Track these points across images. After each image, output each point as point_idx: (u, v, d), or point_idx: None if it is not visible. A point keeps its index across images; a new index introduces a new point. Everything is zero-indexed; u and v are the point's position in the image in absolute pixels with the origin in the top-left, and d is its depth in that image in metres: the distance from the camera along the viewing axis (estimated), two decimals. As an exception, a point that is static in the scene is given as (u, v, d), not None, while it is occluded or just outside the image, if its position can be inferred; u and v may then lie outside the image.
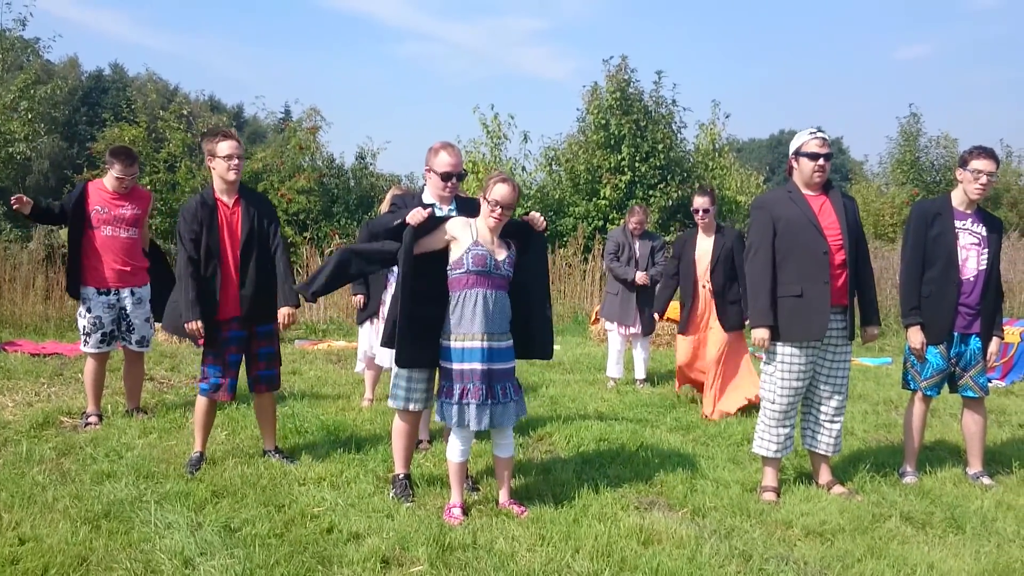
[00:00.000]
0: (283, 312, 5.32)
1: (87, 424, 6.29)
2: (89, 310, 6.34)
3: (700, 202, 7.40)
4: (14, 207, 6.13)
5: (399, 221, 4.44)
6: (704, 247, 7.40)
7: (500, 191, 4.50)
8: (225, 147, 5.16)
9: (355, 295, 7.21)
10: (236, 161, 5.19)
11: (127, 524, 4.27)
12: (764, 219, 4.99)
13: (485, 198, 4.53)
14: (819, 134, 4.96)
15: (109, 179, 6.38)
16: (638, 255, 8.42)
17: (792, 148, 5.05)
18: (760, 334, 4.95)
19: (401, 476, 4.89)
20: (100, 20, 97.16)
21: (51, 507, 4.49)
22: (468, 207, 4.79)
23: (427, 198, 4.84)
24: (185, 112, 18.34)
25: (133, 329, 6.51)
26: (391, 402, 4.81)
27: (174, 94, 29.83)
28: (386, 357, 6.90)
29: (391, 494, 4.81)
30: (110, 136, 17.72)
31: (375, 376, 7.39)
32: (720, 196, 18.52)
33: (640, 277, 8.26)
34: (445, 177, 4.75)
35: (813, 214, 4.91)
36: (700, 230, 7.48)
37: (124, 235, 6.40)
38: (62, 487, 4.83)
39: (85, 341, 6.42)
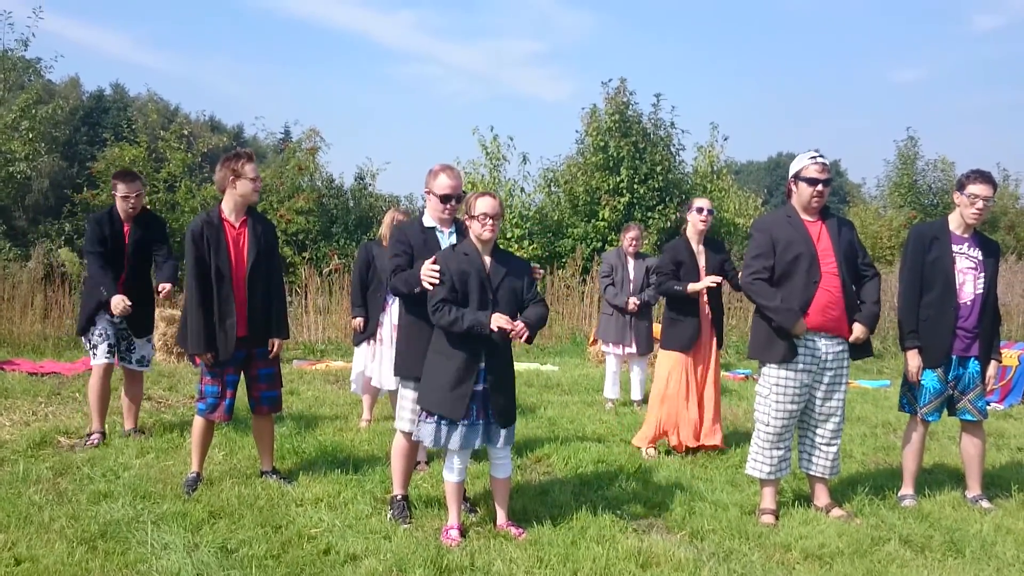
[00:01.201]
0: (275, 343, 5.41)
1: (89, 441, 6.28)
2: (95, 323, 6.37)
3: (705, 202, 6.86)
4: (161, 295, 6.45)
5: (418, 290, 4.53)
6: (701, 258, 6.81)
7: (484, 203, 4.53)
8: (251, 169, 5.25)
9: (355, 318, 7.21)
10: (256, 183, 5.30)
11: (124, 544, 4.25)
12: (765, 239, 5.00)
13: (472, 216, 4.55)
14: (820, 159, 4.97)
15: (117, 204, 6.41)
16: (632, 277, 8.41)
17: (792, 171, 5.07)
18: (800, 327, 4.90)
19: (399, 497, 4.90)
20: (102, 40, 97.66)
21: (47, 527, 4.47)
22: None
23: (427, 221, 4.87)
24: (185, 132, 18.43)
25: (134, 348, 6.52)
26: (397, 423, 4.87)
27: (174, 114, 30.03)
28: (386, 379, 6.90)
29: (389, 515, 4.79)
30: (110, 156, 17.78)
31: (373, 398, 7.38)
32: (719, 218, 18.58)
33: (631, 304, 8.22)
34: (444, 199, 4.79)
35: (811, 240, 4.92)
36: (693, 238, 6.83)
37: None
38: (59, 507, 4.81)
39: (94, 354, 6.42)
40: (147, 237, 6.49)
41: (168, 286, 6.40)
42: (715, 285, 6.60)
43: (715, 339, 6.81)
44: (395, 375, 4.95)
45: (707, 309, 6.75)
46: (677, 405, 6.62)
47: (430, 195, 4.86)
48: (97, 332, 6.39)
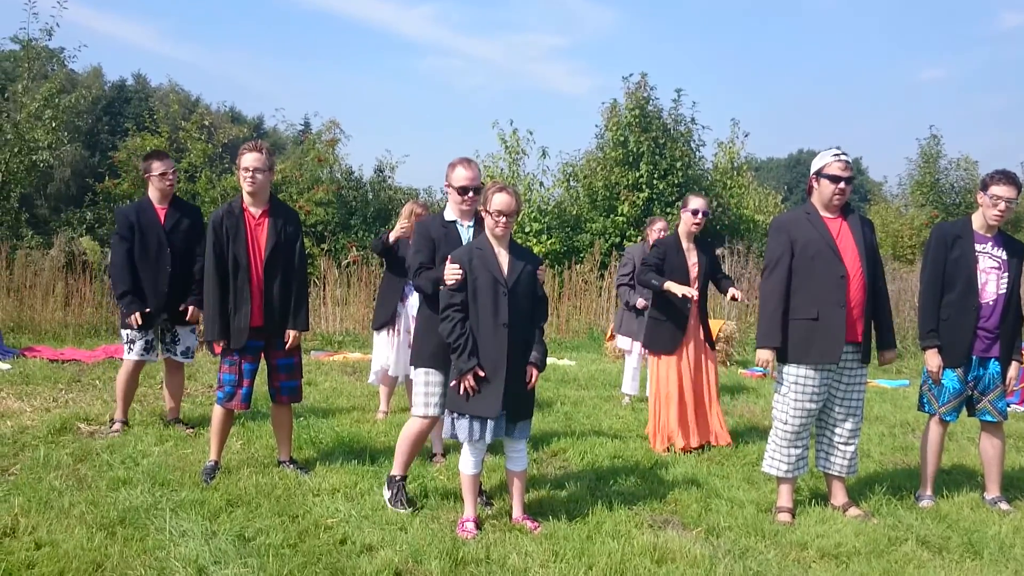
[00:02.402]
0: (291, 334, 5.39)
1: (111, 430, 6.33)
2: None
3: (700, 203, 6.74)
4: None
5: (439, 283, 4.65)
6: (692, 256, 6.75)
7: (500, 200, 4.53)
8: (247, 159, 5.21)
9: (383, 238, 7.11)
10: (251, 174, 5.21)
11: (142, 531, 4.29)
12: (783, 240, 4.98)
13: (487, 210, 4.56)
14: (842, 156, 4.94)
15: (153, 187, 6.38)
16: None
17: (814, 168, 5.04)
18: (764, 355, 4.95)
19: (398, 478, 4.94)
20: (125, 30, 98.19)
21: (67, 513, 4.51)
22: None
23: (448, 215, 4.90)
24: (206, 123, 18.49)
25: (178, 340, 6.50)
26: (414, 410, 4.94)
27: (196, 105, 30.09)
28: (401, 368, 6.94)
29: (386, 496, 4.89)
30: (132, 146, 17.87)
31: (390, 390, 7.40)
32: (738, 215, 18.50)
33: (640, 303, 8.18)
34: (462, 191, 4.81)
35: (831, 237, 4.90)
36: (684, 236, 6.77)
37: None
38: (78, 493, 4.86)
39: (129, 348, 6.40)
40: (184, 220, 6.42)
41: (193, 309, 6.35)
42: (692, 296, 6.48)
43: (706, 339, 6.80)
44: (411, 364, 5.00)
45: (696, 309, 6.71)
46: (677, 407, 6.61)
47: (450, 188, 4.89)
48: (139, 329, 6.32)
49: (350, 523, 4.52)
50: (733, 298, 6.64)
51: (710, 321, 7.18)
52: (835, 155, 4.94)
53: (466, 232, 4.84)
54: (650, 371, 6.95)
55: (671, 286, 6.49)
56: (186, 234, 6.39)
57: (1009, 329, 5.27)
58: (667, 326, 6.67)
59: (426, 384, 4.81)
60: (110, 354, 10.00)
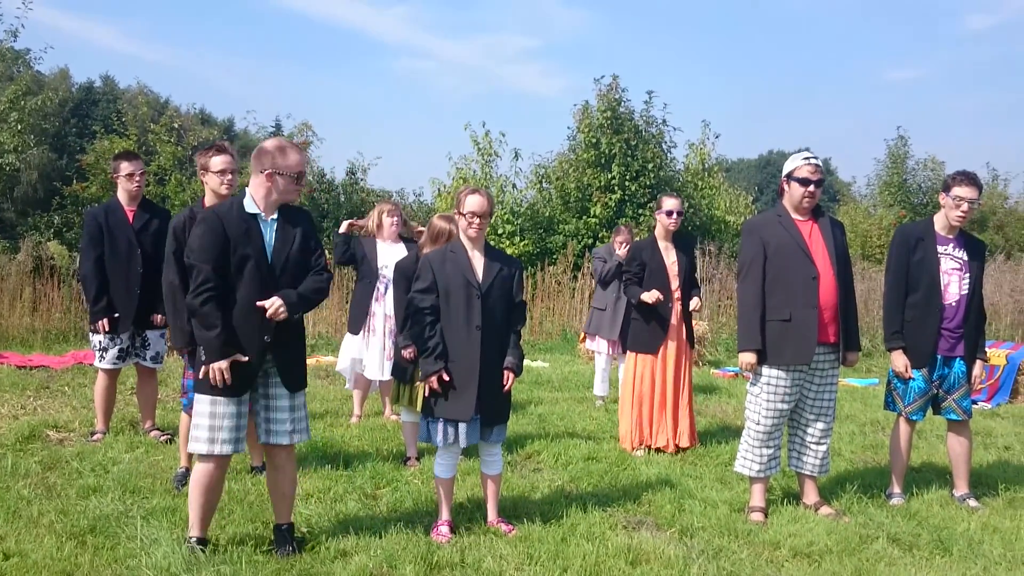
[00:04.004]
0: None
1: (92, 440, 6.26)
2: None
3: (674, 204, 6.74)
4: None
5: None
6: (670, 255, 6.77)
7: (473, 201, 4.55)
8: (218, 162, 5.16)
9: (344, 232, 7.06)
10: (230, 176, 5.16)
11: (113, 540, 4.24)
12: (755, 242, 5.02)
13: (460, 212, 4.56)
14: (812, 160, 4.98)
15: (122, 188, 6.30)
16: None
17: (785, 171, 5.09)
18: (747, 358, 4.97)
19: (194, 539, 4.14)
20: (92, 31, 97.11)
21: (36, 522, 4.46)
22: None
23: (250, 206, 4.11)
24: (176, 125, 18.33)
25: (148, 345, 6.41)
26: (196, 446, 4.08)
27: (165, 107, 29.80)
28: (377, 370, 6.92)
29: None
30: (100, 148, 17.68)
31: (363, 393, 7.38)
32: (709, 216, 18.60)
33: (623, 253, 8.15)
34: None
35: (803, 239, 4.94)
36: (661, 236, 6.80)
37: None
38: (47, 502, 4.80)
39: (101, 357, 6.30)
40: (153, 221, 6.32)
41: (159, 317, 6.24)
42: (651, 301, 6.50)
43: (688, 340, 6.82)
44: (193, 390, 4.21)
45: (679, 308, 6.72)
46: (651, 408, 6.62)
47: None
48: (108, 335, 6.25)
49: (324, 529, 4.51)
50: (693, 309, 6.76)
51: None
52: (805, 159, 4.99)
53: (269, 226, 4.14)
54: (625, 370, 6.97)
55: (644, 296, 6.55)
56: (156, 236, 6.29)
57: (972, 329, 5.35)
58: (650, 326, 6.68)
59: (211, 415, 4.06)
60: (79, 360, 9.88)
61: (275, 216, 4.15)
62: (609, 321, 8.37)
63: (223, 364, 3.95)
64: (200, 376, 4.05)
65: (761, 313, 4.96)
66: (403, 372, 5.56)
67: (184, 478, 5.21)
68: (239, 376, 4.04)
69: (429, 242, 5.51)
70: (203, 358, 3.99)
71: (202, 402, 4.06)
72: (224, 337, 3.96)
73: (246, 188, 4.15)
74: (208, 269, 3.94)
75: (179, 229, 5.07)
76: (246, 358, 4.02)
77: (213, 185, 5.18)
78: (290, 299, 4.07)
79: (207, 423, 4.04)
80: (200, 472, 4.10)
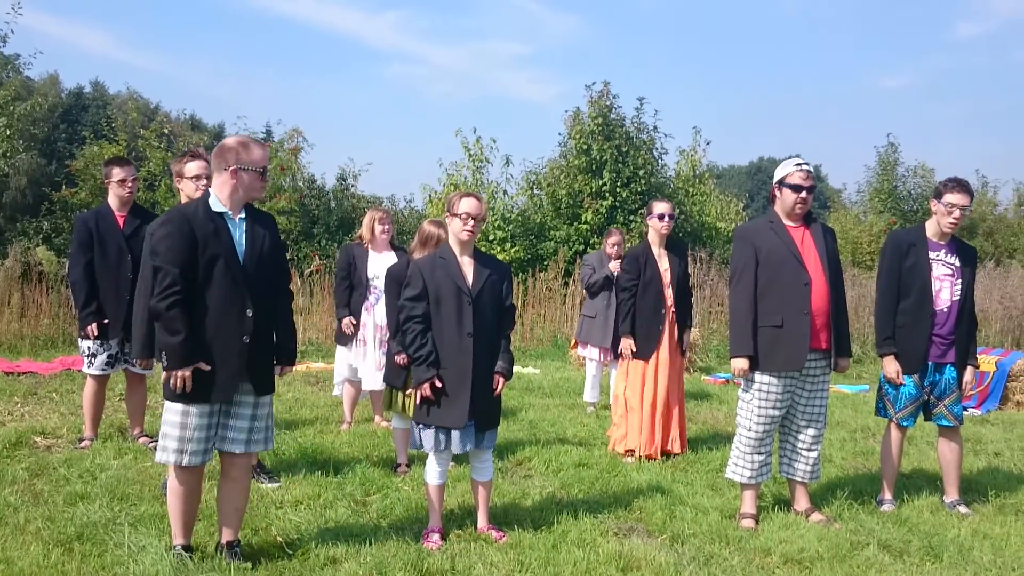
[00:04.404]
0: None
1: (80, 446, 6.21)
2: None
3: (665, 207, 6.70)
4: None
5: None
6: (663, 262, 6.73)
7: (468, 203, 4.53)
8: (193, 167, 5.15)
9: (340, 319, 7.11)
10: (204, 181, 5.09)
11: (100, 547, 4.21)
12: (747, 249, 5.02)
13: (454, 214, 4.55)
14: (804, 166, 4.99)
15: (113, 194, 6.26)
16: (614, 277, 8.40)
17: (776, 177, 5.09)
18: (739, 364, 4.96)
19: (179, 547, 4.10)
20: (82, 37, 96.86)
21: (23, 529, 4.42)
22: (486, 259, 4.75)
23: (216, 204, 4.05)
24: (166, 131, 18.31)
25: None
26: (164, 456, 3.98)
27: (155, 112, 29.78)
28: (371, 380, 6.89)
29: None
30: (89, 154, 17.65)
31: (353, 400, 7.35)
32: (700, 222, 18.64)
33: (614, 266, 8.17)
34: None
35: (795, 245, 4.95)
36: (655, 243, 6.77)
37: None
38: (34, 508, 4.76)
39: (90, 362, 6.25)
40: (144, 226, 6.12)
41: None
42: (627, 351, 6.67)
43: (679, 347, 6.79)
44: (164, 397, 4.03)
45: (671, 315, 6.69)
46: (639, 414, 6.60)
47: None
48: (98, 340, 6.20)
49: (313, 535, 4.48)
50: (689, 343, 6.94)
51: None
52: (797, 165, 4.99)
53: (237, 226, 4.05)
54: (617, 376, 6.96)
55: (622, 346, 6.73)
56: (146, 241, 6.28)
57: (964, 335, 5.36)
58: (642, 333, 6.66)
59: (182, 426, 3.94)
60: (67, 366, 9.82)
61: (242, 215, 4.05)
62: (600, 329, 8.36)
63: (186, 372, 3.84)
64: (166, 383, 3.90)
65: (753, 319, 4.95)
66: (396, 378, 5.53)
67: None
68: (217, 382, 3.91)
69: (419, 246, 5.50)
70: (165, 364, 3.86)
71: (172, 411, 3.93)
72: (189, 344, 3.83)
73: (209, 189, 4.06)
74: (176, 272, 3.82)
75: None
76: (208, 367, 3.89)
77: (188, 191, 5.17)
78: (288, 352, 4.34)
79: (177, 433, 3.92)
80: (174, 482, 4.02)
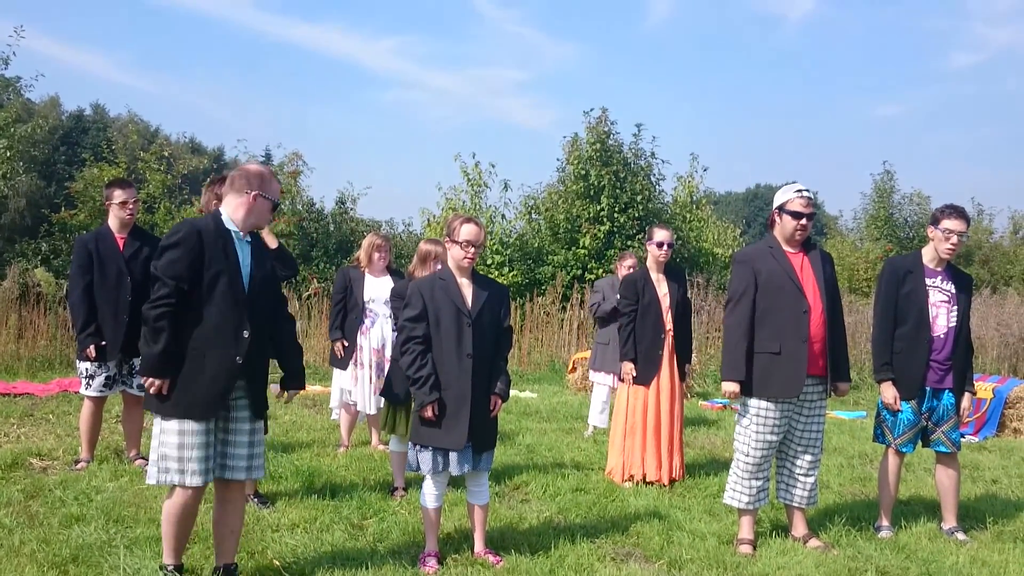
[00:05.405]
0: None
1: (76, 468, 6.19)
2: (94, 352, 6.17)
3: (665, 235, 6.72)
4: None
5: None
6: (662, 287, 6.75)
7: (469, 230, 4.54)
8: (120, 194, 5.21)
9: (334, 341, 7.14)
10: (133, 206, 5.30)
11: (96, 569, 4.19)
12: (747, 273, 5.03)
13: (455, 240, 4.56)
14: (805, 193, 4.99)
15: (114, 216, 6.28)
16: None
17: (776, 202, 5.10)
18: (730, 387, 4.97)
19: (171, 567, 4.09)
20: (83, 60, 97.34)
21: (17, 551, 4.40)
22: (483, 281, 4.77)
23: (228, 222, 4.14)
24: (165, 154, 18.36)
25: (135, 373, 6.27)
26: (160, 477, 3.94)
27: (155, 135, 29.90)
28: (367, 403, 6.88)
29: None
30: (89, 176, 17.69)
31: (350, 423, 7.34)
32: (698, 248, 18.69)
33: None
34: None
35: (794, 272, 4.96)
36: (653, 268, 6.79)
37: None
38: (29, 530, 4.74)
39: (87, 384, 6.22)
40: (144, 248, 6.27)
41: None
42: (627, 376, 6.67)
43: (678, 372, 6.76)
44: (154, 411, 4.01)
45: (671, 340, 6.68)
46: (641, 439, 6.58)
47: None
48: (95, 362, 6.17)
49: (309, 559, 4.46)
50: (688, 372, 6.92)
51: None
52: (797, 192, 5.00)
53: (243, 247, 4.08)
54: (617, 402, 6.95)
55: (624, 371, 6.75)
56: (146, 263, 6.23)
57: (961, 361, 5.37)
58: (643, 359, 6.66)
59: (180, 447, 3.89)
60: (64, 388, 9.80)
61: (248, 238, 4.10)
62: (612, 355, 8.33)
63: (158, 381, 3.83)
64: (164, 398, 3.87)
65: (748, 345, 4.96)
66: (396, 395, 5.50)
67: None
68: (205, 398, 3.88)
69: (419, 264, 5.56)
70: (136, 368, 3.85)
71: (168, 431, 3.89)
72: (167, 357, 3.81)
73: (220, 208, 4.08)
74: (172, 285, 3.81)
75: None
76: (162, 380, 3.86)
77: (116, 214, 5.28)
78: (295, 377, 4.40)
79: (176, 453, 3.86)
80: (173, 503, 3.95)
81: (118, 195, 6.26)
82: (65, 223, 17.09)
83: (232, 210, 4.05)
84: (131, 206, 6.29)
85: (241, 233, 4.04)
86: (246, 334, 3.96)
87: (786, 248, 5.05)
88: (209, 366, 3.89)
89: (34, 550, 4.41)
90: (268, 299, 4.13)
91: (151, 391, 3.86)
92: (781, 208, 5.04)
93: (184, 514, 3.98)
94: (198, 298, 3.88)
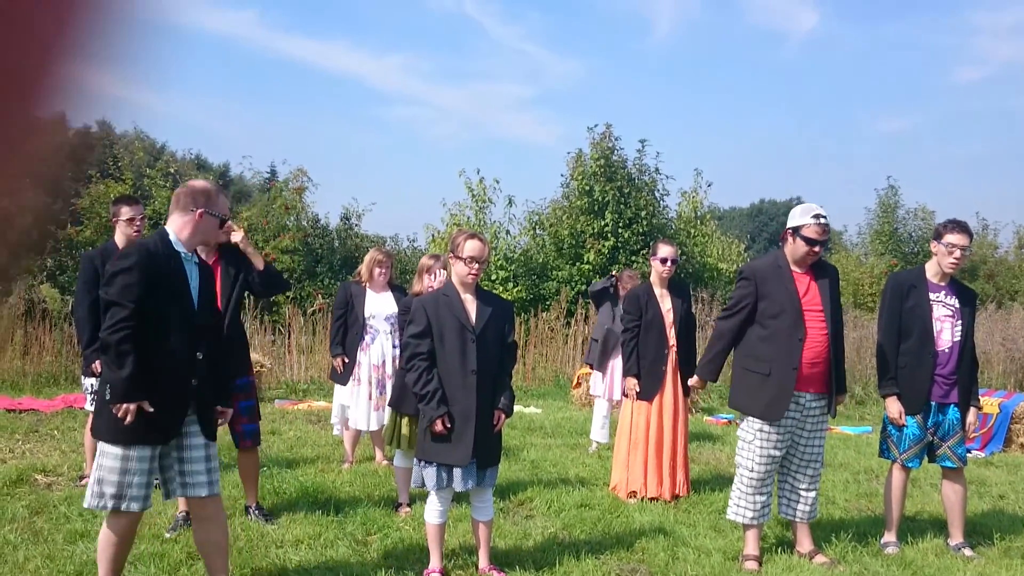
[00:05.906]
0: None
1: (80, 484, 6.18)
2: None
3: (669, 251, 6.72)
4: None
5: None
6: (666, 302, 6.76)
7: (473, 246, 4.54)
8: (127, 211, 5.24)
9: (335, 356, 7.14)
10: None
11: (100, 586, 4.18)
12: (751, 289, 5.04)
13: (459, 256, 4.57)
14: (821, 220, 4.91)
15: (120, 232, 6.29)
16: None
17: (791, 222, 5.03)
18: (692, 381, 5.24)
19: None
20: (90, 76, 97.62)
21: (22, 567, 4.40)
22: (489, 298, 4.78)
23: (177, 244, 4.09)
24: (172, 170, 18.44)
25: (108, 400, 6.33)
26: (94, 501, 3.76)
27: (161, 152, 30.00)
28: (363, 420, 6.87)
29: None
30: (95, 192, 17.76)
31: (354, 438, 7.33)
32: (702, 263, 18.69)
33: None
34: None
35: (797, 296, 4.94)
36: (656, 283, 6.79)
37: None
38: (34, 547, 4.74)
39: (93, 400, 6.25)
40: None
41: None
42: (631, 392, 6.63)
43: (682, 388, 6.72)
44: (96, 436, 3.86)
45: (674, 355, 6.68)
46: (643, 455, 6.56)
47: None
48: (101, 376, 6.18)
49: (314, 575, 4.46)
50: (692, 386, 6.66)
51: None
52: (814, 217, 4.92)
53: (191, 266, 3.97)
54: (621, 417, 6.93)
55: (627, 388, 6.72)
56: None
57: (966, 375, 5.36)
58: (646, 374, 6.64)
59: (123, 471, 3.72)
60: (69, 404, 9.81)
61: (194, 258, 4.00)
62: (607, 356, 8.39)
63: (130, 406, 3.66)
64: (114, 422, 3.66)
65: (723, 348, 5.19)
66: (402, 403, 5.48)
67: (184, 522, 5.13)
68: (161, 424, 3.74)
69: (417, 280, 5.59)
70: (108, 397, 3.69)
71: (110, 455, 3.70)
72: (135, 380, 3.66)
73: (165, 227, 3.95)
74: (131, 308, 3.66)
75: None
76: (151, 409, 3.69)
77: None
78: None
79: (116, 478, 3.67)
80: (110, 529, 3.78)
81: (125, 211, 6.29)
82: (71, 239, 17.15)
83: (178, 228, 3.92)
84: (138, 223, 6.32)
85: (188, 253, 3.95)
86: (200, 356, 3.88)
87: (794, 269, 5.04)
88: (166, 391, 3.77)
89: (39, 566, 4.41)
90: (216, 318, 4.13)
91: (123, 417, 3.65)
92: (795, 230, 4.98)
93: (122, 539, 3.84)
94: (152, 322, 3.75)
